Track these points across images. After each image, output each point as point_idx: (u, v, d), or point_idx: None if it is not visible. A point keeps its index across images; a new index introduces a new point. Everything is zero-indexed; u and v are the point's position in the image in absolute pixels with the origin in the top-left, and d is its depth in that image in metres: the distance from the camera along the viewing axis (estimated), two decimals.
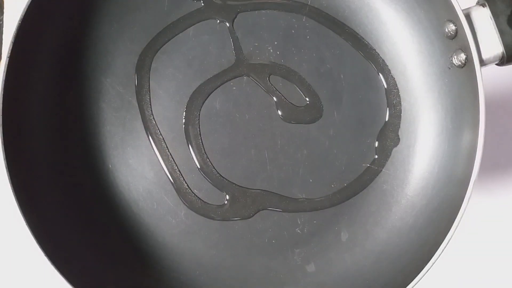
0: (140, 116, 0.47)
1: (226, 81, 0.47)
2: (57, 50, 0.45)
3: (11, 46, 0.40)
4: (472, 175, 0.37)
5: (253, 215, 0.46)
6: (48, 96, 0.45)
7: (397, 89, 0.47)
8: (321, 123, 0.47)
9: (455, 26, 0.39)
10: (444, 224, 0.38)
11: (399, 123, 0.47)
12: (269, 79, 0.47)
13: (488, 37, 0.38)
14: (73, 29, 0.46)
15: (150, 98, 0.47)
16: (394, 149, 0.47)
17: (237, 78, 0.47)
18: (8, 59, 0.40)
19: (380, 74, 0.47)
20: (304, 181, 0.46)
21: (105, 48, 0.47)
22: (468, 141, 0.40)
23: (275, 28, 0.47)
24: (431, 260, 0.37)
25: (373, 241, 0.46)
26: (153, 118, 0.47)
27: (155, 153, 0.47)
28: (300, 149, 0.47)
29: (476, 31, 0.39)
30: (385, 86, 0.47)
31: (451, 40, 0.41)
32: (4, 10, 0.58)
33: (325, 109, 0.47)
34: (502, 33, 0.38)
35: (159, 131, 0.47)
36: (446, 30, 0.41)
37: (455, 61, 0.41)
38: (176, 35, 0.47)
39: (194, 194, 0.47)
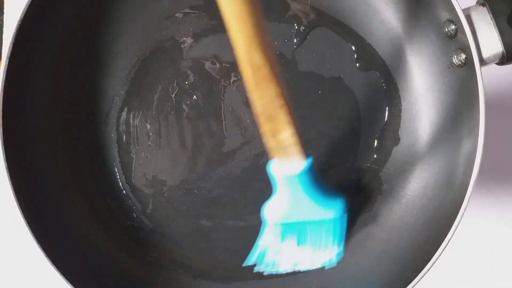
0: (140, 116, 0.47)
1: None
2: (57, 51, 0.45)
3: (11, 46, 0.40)
4: (472, 175, 0.37)
5: (254, 215, 0.46)
6: (47, 96, 0.45)
7: (397, 89, 0.47)
8: (321, 123, 0.47)
9: (455, 25, 0.39)
10: (444, 224, 0.38)
11: (399, 123, 0.47)
12: None
13: (488, 37, 0.38)
14: (72, 30, 0.46)
15: (150, 98, 0.47)
16: (394, 149, 0.47)
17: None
18: (8, 59, 0.40)
19: (380, 74, 0.47)
20: None
21: (105, 48, 0.47)
22: (468, 140, 0.40)
23: (275, 28, 0.47)
24: (431, 260, 0.37)
25: (373, 241, 0.46)
26: (153, 118, 0.47)
27: (155, 153, 0.47)
28: None
29: (476, 30, 0.38)
30: (385, 86, 0.47)
31: (451, 39, 0.41)
32: (4, 10, 0.58)
33: (325, 109, 0.47)
34: (502, 32, 0.38)
35: (159, 131, 0.47)
36: (446, 30, 0.40)
37: (455, 60, 0.41)
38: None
39: (194, 194, 0.47)
